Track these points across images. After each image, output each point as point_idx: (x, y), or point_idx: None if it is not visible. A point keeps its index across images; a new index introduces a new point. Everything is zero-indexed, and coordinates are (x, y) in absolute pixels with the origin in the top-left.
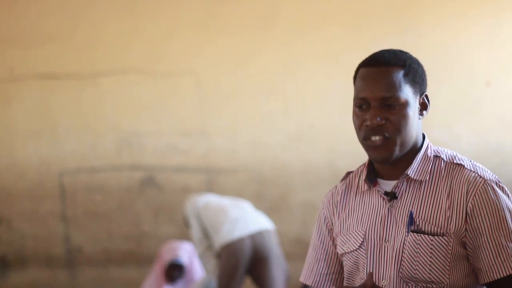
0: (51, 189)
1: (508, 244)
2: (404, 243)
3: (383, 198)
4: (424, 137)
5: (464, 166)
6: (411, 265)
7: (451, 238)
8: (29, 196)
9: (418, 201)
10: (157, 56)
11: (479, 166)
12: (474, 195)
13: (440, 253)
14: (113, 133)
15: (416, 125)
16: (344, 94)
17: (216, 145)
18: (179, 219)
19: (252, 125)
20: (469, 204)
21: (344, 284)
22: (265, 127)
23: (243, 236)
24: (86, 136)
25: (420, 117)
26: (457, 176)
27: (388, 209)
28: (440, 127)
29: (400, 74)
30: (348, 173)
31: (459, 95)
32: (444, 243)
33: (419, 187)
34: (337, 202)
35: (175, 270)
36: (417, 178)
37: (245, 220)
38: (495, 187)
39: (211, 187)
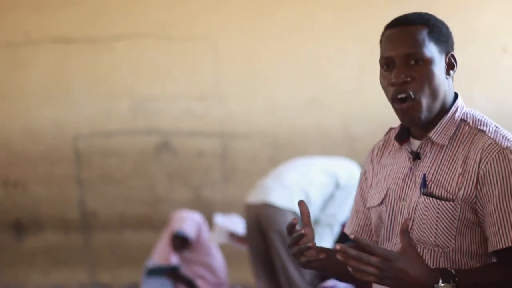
0: (66, 153)
1: None
2: (416, 205)
3: (409, 158)
4: (456, 98)
5: (485, 132)
6: (419, 227)
7: (459, 204)
8: (44, 160)
9: (436, 164)
10: (173, 20)
11: (501, 134)
12: (487, 162)
13: (446, 218)
14: (128, 97)
15: (444, 84)
16: (360, 58)
17: (231, 109)
18: (193, 184)
19: (267, 89)
20: (481, 171)
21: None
22: (281, 91)
23: (250, 204)
24: (101, 100)
25: (447, 76)
26: (476, 142)
27: (411, 168)
28: None
29: (424, 32)
30: (391, 129)
31: (475, 61)
32: (451, 209)
33: (440, 151)
34: (374, 156)
35: (178, 241)
36: (439, 142)
37: (270, 189)
38: (510, 155)
39: (226, 152)
